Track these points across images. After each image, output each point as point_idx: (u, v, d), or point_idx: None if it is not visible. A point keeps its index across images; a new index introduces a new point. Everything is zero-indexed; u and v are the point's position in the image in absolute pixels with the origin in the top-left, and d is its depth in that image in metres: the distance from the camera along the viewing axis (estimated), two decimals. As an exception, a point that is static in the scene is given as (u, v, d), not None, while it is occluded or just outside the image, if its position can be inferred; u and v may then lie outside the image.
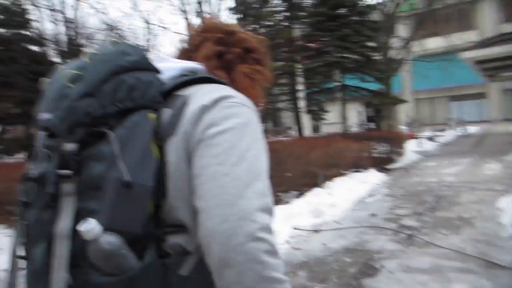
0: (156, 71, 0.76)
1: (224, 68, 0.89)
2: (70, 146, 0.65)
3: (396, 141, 11.62)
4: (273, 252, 0.61)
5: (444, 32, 18.45)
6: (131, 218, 0.64)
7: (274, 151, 6.98)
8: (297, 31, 13.73)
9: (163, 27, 13.58)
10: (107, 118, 0.67)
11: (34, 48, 11.70)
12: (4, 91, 10.76)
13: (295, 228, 4.93)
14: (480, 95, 25.93)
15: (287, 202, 6.10)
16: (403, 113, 22.18)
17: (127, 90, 0.68)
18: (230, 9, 12.68)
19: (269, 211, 0.64)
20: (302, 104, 14.76)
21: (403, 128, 18.68)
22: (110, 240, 0.61)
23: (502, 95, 25.15)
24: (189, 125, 0.70)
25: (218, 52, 0.89)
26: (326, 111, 23.82)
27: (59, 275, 0.61)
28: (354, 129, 19.85)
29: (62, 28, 7.71)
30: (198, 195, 0.65)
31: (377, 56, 13.30)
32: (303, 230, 4.93)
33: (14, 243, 0.73)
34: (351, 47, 11.26)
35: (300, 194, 6.64)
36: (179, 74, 0.80)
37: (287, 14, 13.08)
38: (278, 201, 6.09)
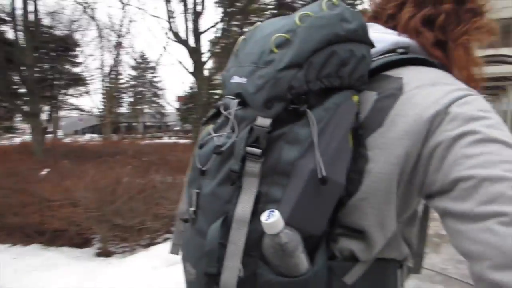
0: (371, 44, 0.63)
1: (440, 45, 0.69)
2: (264, 122, 0.57)
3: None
4: None
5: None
6: (314, 217, 0.57)
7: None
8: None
9: (141, 9, 12.83)
10: (308, 95, 0.57)
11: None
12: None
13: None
14: None
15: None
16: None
17: (337, 65, 0.57)
18: (216, 1, 12.20)
19: None
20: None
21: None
22: (291, 237, 0.54)
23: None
24: (417, 127, 0.56)
25: (427, 18, 0.69)
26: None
27: (233, 263, 0.56)
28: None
29: (20, 4, 6.95)
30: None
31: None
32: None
33: (183, 207, 0.72)
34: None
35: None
36: (388, 48, 0.68)
37: (276, 11, 12.73)
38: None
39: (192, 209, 0.65)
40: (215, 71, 9.33)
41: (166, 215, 3.99)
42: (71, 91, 16.18)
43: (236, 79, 0.63)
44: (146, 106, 40.23)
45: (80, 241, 4.41)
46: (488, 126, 0.53)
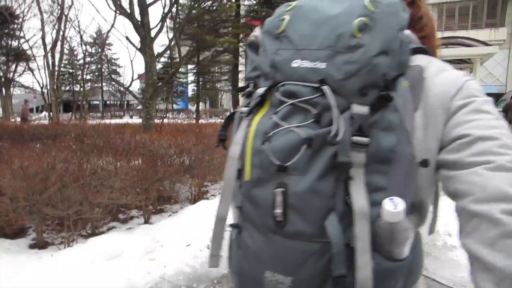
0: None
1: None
2: (362, 109, 0.58)
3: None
4: None
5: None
6: (410, 198, 0.60)
7: (205, 136, 6.29)
8: (242, 7, 12.99)
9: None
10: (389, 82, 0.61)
11: None
12: None
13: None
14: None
15: (214, 196, 5.45)
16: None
17: (403, 53, 0.62)
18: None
19: None
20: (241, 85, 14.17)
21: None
22: (408, 223, 0.57)
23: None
24: (448, 103, 0.64)
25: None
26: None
27: (365, 260, 0.56)
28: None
29: None
30: None
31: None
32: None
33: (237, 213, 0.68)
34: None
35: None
36: None
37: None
38: (204, 195, 5.41)
39: (279, 211, 0.60)
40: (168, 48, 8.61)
41: (107, 204, 3.66)
42: (14, 67, 14.90)
43: (304, 63, 0.61)
44: (104, 84, 38.39)
45: (12, 232, 4.02)
46: (483, 102, 0.63)
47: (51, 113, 11.68)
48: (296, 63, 0.61)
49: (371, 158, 0.57)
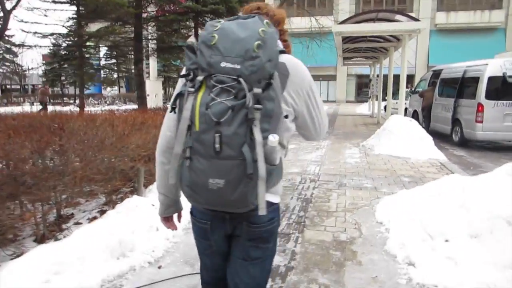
0: None
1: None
2: (259, 91, 1.11)
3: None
4: None
5: (308, 14, 18.37)
6: (280, 136, 1.20)
7: (72, 134, 4.33)
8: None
9: None
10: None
11: None
12: None
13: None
14: (332, 77, 33.05)
15: (69, 229, 3.53)
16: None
17: (277, 57, 1.21)
18: None
19: None
20: (149, 65, 12.02)
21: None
22: (276, 144, 1.11)
23: (347, 78, 33.10)
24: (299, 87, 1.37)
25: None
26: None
27: (261, 164, 1.09)
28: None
29: None
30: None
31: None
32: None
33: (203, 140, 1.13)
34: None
35: (105, 206, 4.15)
36: None
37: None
38: (55, 229, 3.44)
39: (218, 145, 1.09)
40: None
41: None
42: None
43: (228, 65, 1.13)
44: (-3, 66, 32.63)
45: None
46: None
47: None
48: (223, 64, 1.13)
49: (262, 115, 1.11)
